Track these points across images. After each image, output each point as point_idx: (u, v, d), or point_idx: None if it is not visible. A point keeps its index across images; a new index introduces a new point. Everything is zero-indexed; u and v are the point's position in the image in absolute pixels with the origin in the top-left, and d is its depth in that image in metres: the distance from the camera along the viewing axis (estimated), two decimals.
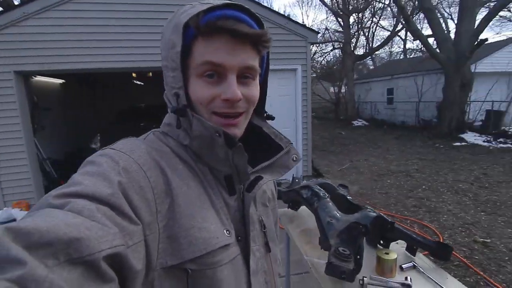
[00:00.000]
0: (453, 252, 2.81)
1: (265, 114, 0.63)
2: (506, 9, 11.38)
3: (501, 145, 7.91)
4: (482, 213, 3.76)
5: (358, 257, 0.96)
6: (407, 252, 1.20)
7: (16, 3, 9.05)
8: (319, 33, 5.54)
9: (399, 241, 1.26)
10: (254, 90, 0.52)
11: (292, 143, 0.59)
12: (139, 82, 9.23)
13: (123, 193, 0.39)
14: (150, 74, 7.62)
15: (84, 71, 4.59)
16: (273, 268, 0.62)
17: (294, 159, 0.58)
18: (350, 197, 1.38)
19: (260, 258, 0.57)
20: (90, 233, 0.31)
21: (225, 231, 0.50)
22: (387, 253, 1.05)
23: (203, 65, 0.46)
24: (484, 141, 8.37)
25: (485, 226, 3.40)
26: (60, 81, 6.92)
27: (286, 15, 5.39)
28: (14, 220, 3.79)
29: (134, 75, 7.64)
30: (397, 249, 1.20)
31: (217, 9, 0.45)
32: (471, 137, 8.83)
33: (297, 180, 1.70)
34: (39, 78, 5.61)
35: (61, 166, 5.56)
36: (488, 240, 3.06)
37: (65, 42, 4.22)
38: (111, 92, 8.69)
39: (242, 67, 0.48)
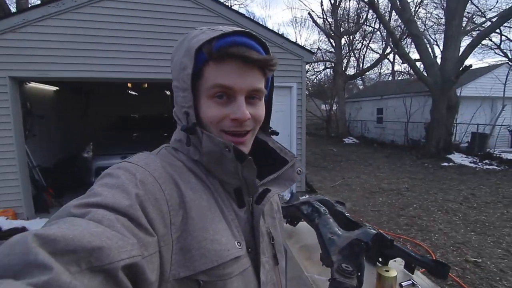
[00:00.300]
0: None
1: (270, 130, 0.66)
2: (488, 39, 12.07)
3: (487, 166, 8.15)
4: (472, 233, 3.82)
5: (359, 274, 0.96)
6: (405, 270, 1.21)
7: (13, 10, 9.05)
8: (314, 53, 5.72)
9: (397, 258, 1.28)
10: (260, 109, 0.55)
11: (296, 157, 0.62)
12: (133, 93, 9.21)
13: (140, 205, 0.40)
14: (146, 85, 7.62)
15: (80, 79, 4.57)
16: (281, 281, 0.63)
17: (299, 172, 0.60)
18: (348, 214, 1.40)
19: (270, 270, 0.58)
20: (111, 242, 0.32)
21: (236, 243, 0.51)
22: (387, 271, 1.06)
23: (214, 87, 0.49)
24: (470, 162, 8.61)
25: (475, 246, 3.46)
26: (54, 88, 6.84)
27: (281, 34, 5.55)
28: (0, 228, 3.63)
29: (129, 85, 7.64)
30: (395, 267, 1.22)
31: (228, 35, 0.49)
32: (458, 158, 9.06)
33: (296, 196, 1.72)
34: (33, 85, 5.54)
35: (51, 174, 5.41)
36: (479, 260, 3.10)
37: (63, 51, 4.22)
38: (105, 101, 8.62)
39: (250, 89, 0.51)
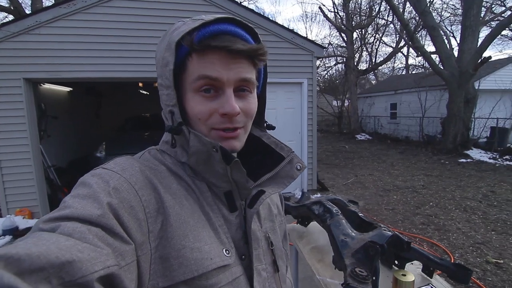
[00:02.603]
0: None
1: (265, 124, 0.62)
2: (508, 29, 11.54)
3: (508, 162, 7.82)
4: (493, 232, 3.66)
5: (374, 278, 0.91)
6: (423, 273, 1.16)
7: (27, 12, 9.30)
8: (325, 48, 5.59)
9: (414, 261, 1.21)
10: (252, 103, 0.51)
11: (293, 152, 0.57)
12: (145, 92, 9.32)
13: (113, 214, 0.38)
14: (157, 84, 7.70)
15: (92, 79, 4.63)
16: None
17: (298, 167, 0.55)
18: (361, 214, 1.34)
19: (268, 278, 0.54)
20: (82, 255, 0.31)
21: (224, 251, 0.47)
22: (404, 275, 1.00)
23: (199, 79, 0.46)
24: (489, 158, 8.29)
25: (496, 246, 3.31)
26: (68, 89, 7.00)
27: (291, 29, 5.46)
28: (17, 227, 3.74)
29: (140, 84, 7.74)
30: (412, 270, 1.16)
31: (209, 24, 0.45)
32: (476, 153, 8.75)
33: (307, 195, 1.67)
34: (47, 86, 5.68)
35: (65, 174, 5.55)
36: (501, 261, 2.96)
37: (74, 51, 4.28)
38: (117, 101, 8.78)
39: (238, 80, 0.47)
